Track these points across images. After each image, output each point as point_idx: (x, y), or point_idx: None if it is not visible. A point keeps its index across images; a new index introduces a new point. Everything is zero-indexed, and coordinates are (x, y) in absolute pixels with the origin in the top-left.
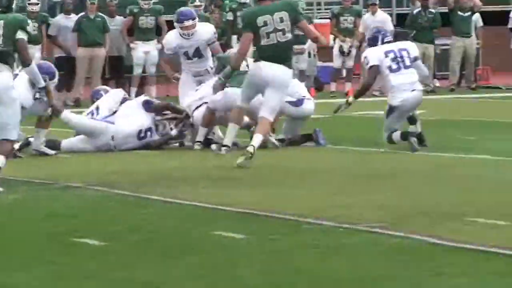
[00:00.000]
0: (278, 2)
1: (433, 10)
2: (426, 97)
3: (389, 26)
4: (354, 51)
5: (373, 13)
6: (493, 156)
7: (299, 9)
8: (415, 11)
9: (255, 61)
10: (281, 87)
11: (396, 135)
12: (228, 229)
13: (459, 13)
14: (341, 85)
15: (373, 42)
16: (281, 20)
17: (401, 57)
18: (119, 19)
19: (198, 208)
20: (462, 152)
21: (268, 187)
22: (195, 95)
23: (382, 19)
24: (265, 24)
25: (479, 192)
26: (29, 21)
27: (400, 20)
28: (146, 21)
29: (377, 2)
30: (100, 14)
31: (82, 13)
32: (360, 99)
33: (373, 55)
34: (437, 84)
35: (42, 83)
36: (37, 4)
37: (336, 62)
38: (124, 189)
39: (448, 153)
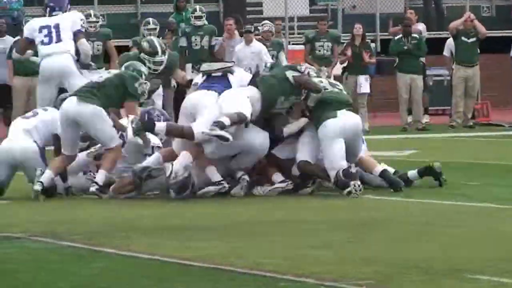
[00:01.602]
0: None
1: (416, 36)
2: (417, 136)
3: (264, 57)
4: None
5: (248, 42)
6: (498, 205)
7: None
8: (396, 37)
9: None
10: None
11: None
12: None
13: (463, 39)
14: None
15: None
16: None
17: None
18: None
19: (157, 262)
20: (462, 200)
21: (239, 238)
22: None
23: (257, 49)
24: None
25: (481, 245)
26: None
27: (384, 46)
28: (92, 47)
29: (252, 30)
30: None
31: (17, 37)
32: None
33: None
34: (427, 120)
35: None
36: None
37: None
38: (73, 241)
39: (446, 201)
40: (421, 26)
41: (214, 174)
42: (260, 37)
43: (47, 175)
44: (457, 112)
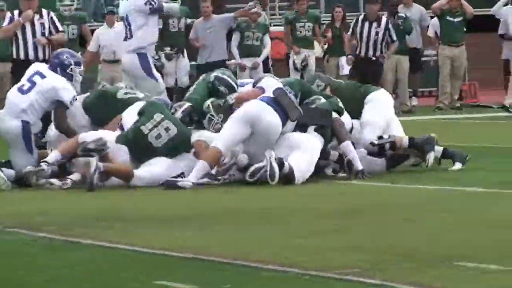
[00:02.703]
0: None
1: (402, 15)
2: (403, 118)
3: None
4: (313, 64)
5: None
6: (484, 188)
7: None
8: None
9: None
10: None
11: None
12: (173, 279)
13: (448, 18)
14: None
15: None
16: None
17: None
18: None
19: (137, 253)
20: (448, 184)
21: (220, 228)
22: None
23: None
24: None
25: (468, 231)
26: None
27: None
28: (67, 31)
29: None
30: None
31: None
32: None
33: None
34: (414, 102)
35: None
36: None
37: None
38: (49, 232)
39: (432, 185)
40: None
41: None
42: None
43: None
44: (443, 93)
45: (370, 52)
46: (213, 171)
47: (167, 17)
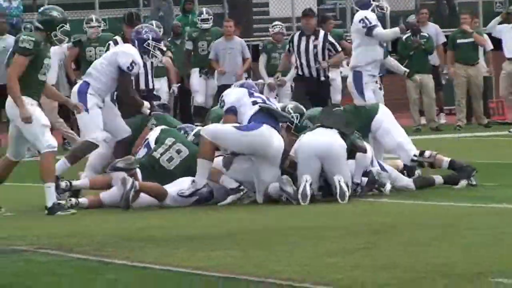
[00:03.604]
0: None
1: (426, 34)
2: (431, 137)
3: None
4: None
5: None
6: None
7: None
8: (404, 37)
9: None
10: None
11: None
12: None
13: (459, 41)
14: None
15: None
16: None
17: None
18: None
19: (170, 273)
20: (479, 201)
21: (253, 246)
22: None
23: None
24: None
25: (502, 248)
26: None
27: (395, 45)
28: (95, 53)
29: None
30: None
31: None
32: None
33: None
34: (443, 120)
35: None
36: None
37: None
38: (82, 253)
39: (463, 203)
40: (433, 28)
41: (230, 181)
42: (271, 39)
43: None
44: (460, 112)
45: (314, 72)
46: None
47: (197, 40)
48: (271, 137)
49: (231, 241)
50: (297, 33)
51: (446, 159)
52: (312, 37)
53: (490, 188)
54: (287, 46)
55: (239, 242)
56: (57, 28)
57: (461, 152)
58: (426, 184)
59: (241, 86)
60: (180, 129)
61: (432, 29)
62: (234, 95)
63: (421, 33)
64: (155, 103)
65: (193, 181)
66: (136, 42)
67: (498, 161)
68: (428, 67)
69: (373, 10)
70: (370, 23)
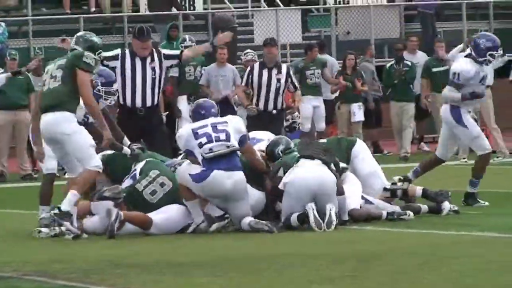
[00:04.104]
0: None
1: (408, 63)
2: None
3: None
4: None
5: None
6: (499, 233)
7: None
8: (388, 65)
9: None
10: None
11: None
12: None
13: (434, 70)
14: None
15: None
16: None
17: None
18: None
19: None
20: (463, 229)
21: (239, 273)
22: None
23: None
24: None
25: (486, 276)
26: None
27: (380, 73)
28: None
29: None
30: None
31: (1, 71)
32: None
33: None
34: (426, 148)
35: None
36: None
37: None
38: (68, 279)
39: (447, 231)
40: (423, 57)
41: (214, 209)
42: (243, 66)
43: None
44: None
45: (271, 105)
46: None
47: (183, 66)
48: (222, 182)
49: (217, 268)
50: (257, 64)
51: (419, 188)
52: (275, 70)
53: (474, 216)
54: (245, 78)
55: (225, 269)
56: (96, 53)
57: (445, 180)
58: (412, 211)
59: (193, 110)
60: (168, 165)
61: (421, 58)
62: (182, 141)
63: (405, 61)
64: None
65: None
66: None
67: (482, 189)
68: (410, 95)
69: (483, 62)
70: (459, 80)
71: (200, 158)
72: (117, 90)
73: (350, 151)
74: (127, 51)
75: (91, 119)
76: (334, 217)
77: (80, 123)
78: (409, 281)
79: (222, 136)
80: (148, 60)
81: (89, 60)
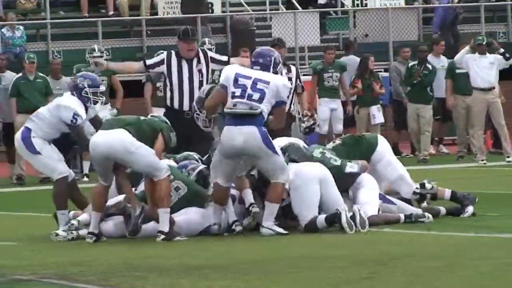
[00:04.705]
0: None
1: (429, 66)
2: (432, 167)
3: None
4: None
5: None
6: None
7: None
8: (410, 65)
9: None
10: None
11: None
12: None
13: (457, 71)
14: None
15: None
16: None
17: None
18: (64, 80)
19: None
20: (482, 231)
21: (257, 276)
22: None
23: None
24: None
25: (505, 278)
26: None
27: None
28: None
29: None
30: (41, 74)
31: (19, 74)
32: None
33: None
34: (444, 150)
35: None
36: None
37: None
38: (87, 282)
39: (466, 233)
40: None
41: (231, 214)
42: None
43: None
44: (461, 143)
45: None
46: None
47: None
48: (233, 137)
49: (235, 271)
50: None
51: (448, 190)
52: (284, 70)
53: (493, 218)
54: None
55: (243, 272)
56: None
57: (463, 182)
58: (432, 214)
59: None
60: (180, 168)
61: (444, 61)
62: (223, 76)
63: (427, 64)
64: None
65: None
66: (74, 92)
67: (497, 191)
68: (427, 98)
69: None
70: None
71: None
72: (102, 92)
73: (372, 153)
74: (173, 54)
75: (79, 121)
76: (364, 217)
77: (69, 125)
78: (428, 283)
79: (256, 96)
80: (195, 62)
81: None
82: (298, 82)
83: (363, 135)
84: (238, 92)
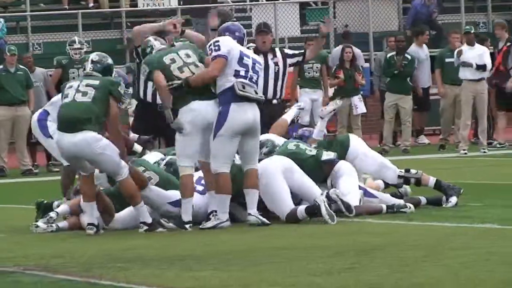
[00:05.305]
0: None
1: (408, 56)
2: (413, 157)
3: None
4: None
5: None
6: (500, 225)
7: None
8: (388, 55)
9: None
10: None
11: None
12: None
13: (447, 60)
14: None
15: None
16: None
17: None
18: (39, 72)
19: None
20: (464, 221)
21: (239, 266)
22: None
23: None
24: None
25: (486, 267)
26: None
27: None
28: (78, 74)
29: None
30: (22, 67)
31: (0, 66)
32: None
33: None
34: (425, 140)
35: None
36: None
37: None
38: (69, 274)
39: (448, 223)
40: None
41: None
42: None
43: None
44: (444, 132)
45: (270, 94)
46: None
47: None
48: (245, 111)
49: (218, 261)
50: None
51: (432, 178)
52: (270, 55)
53: (474, 208)
54: None
55: (225, 262)
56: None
57: (447, 173)
58: (413, 203)
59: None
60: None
61: (426, 51)
62: (226, 48)
63: (406, 55)
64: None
65: (214, 213)
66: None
67: (479, 181)
68: (407, 88)
69: None
70: None
71: (224, 81)
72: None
73: (346, 152)
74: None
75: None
76: (348, 201)
77: None
78: (409, 273)
79: (254, 78)
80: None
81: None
82: (289, 58)
83: (335, 136)
84: (242, 72)
